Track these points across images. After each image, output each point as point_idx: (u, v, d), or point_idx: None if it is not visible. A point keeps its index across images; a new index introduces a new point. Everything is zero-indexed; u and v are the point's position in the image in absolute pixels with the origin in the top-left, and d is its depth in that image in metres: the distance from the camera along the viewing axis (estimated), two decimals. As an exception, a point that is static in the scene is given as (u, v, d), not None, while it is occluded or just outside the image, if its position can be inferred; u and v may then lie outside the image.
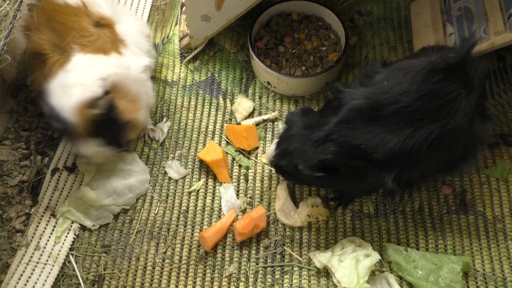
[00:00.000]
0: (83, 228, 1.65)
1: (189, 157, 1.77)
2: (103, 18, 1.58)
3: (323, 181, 1.40)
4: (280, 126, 1.81)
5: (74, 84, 1.42)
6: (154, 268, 1.57)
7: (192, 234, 1.62)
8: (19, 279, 1.53)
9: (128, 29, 1.65)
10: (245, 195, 1.68)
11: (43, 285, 1.53)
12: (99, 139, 1.49)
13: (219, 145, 1.78)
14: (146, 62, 1.66)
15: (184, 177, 1.73)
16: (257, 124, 1.82)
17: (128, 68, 1.56)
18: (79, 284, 1.54)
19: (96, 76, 1.44)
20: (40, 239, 1.61)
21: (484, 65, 1.36)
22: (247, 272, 1.55)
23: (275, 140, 1.47)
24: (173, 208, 1.67)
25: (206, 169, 1.74)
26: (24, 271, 1.55)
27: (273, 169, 1.64)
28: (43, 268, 1.56)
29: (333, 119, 1.31)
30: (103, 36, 1.55)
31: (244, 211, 1.65)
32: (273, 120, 1.83)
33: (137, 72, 1.60)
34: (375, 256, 1.45)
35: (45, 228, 1.63)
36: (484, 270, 1.50)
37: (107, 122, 1.46)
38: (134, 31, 1.68)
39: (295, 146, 1.36)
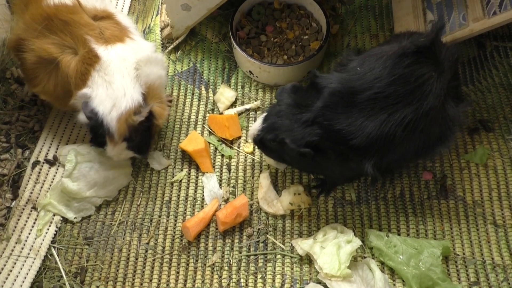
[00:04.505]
0: (65, 220, 1.63)
1: (172, 147, 1.76)
2: (98, 11, 1.57)
3: (306, 161, 1.40)
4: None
5: (118, 91, 1.44)
6: (137, 259, 1.56)
7: (175, 225, 1.62)
8: (0, 273, 1.52)
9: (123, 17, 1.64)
10: (228, 185, 1.68)
11: (25, 278, 1.52)
12: (129, 143, 1.52)
13: (202, 135, 1.77)
14: (152, 43, 1.65)
15: (167, 167, 1.72)
16: (240, 114, 1.82)
17: (144, 50, 1.55)
18: (62, 276, 1.53)
19: (132, 67, 1.47)
20: (22, 232, 1.59)
21: (455, 48, 1.37)
22: (230, 260, 1.55)
23: (262, 115, 1.47)
24: (155, 199, 1.67)
25: (188, 159, 1.74)
26: (5, 265, 1.53)
27: (255, 145, 1.62)
28: (25, 261, 1.55)
29: (319, 102, 1.32)
30: (109, 27, 1.54)
31: (227, 201, 1.65)
32: (255, 110, 1.83)
33: (151, 52, 1.57)
34: (357, 242, 1.46)
35: (26, 221, 1.62)
36: (464, 254, 1.52)
37: (143, 128, 1.50)
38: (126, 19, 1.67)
39: (283, 122, 1.37)
